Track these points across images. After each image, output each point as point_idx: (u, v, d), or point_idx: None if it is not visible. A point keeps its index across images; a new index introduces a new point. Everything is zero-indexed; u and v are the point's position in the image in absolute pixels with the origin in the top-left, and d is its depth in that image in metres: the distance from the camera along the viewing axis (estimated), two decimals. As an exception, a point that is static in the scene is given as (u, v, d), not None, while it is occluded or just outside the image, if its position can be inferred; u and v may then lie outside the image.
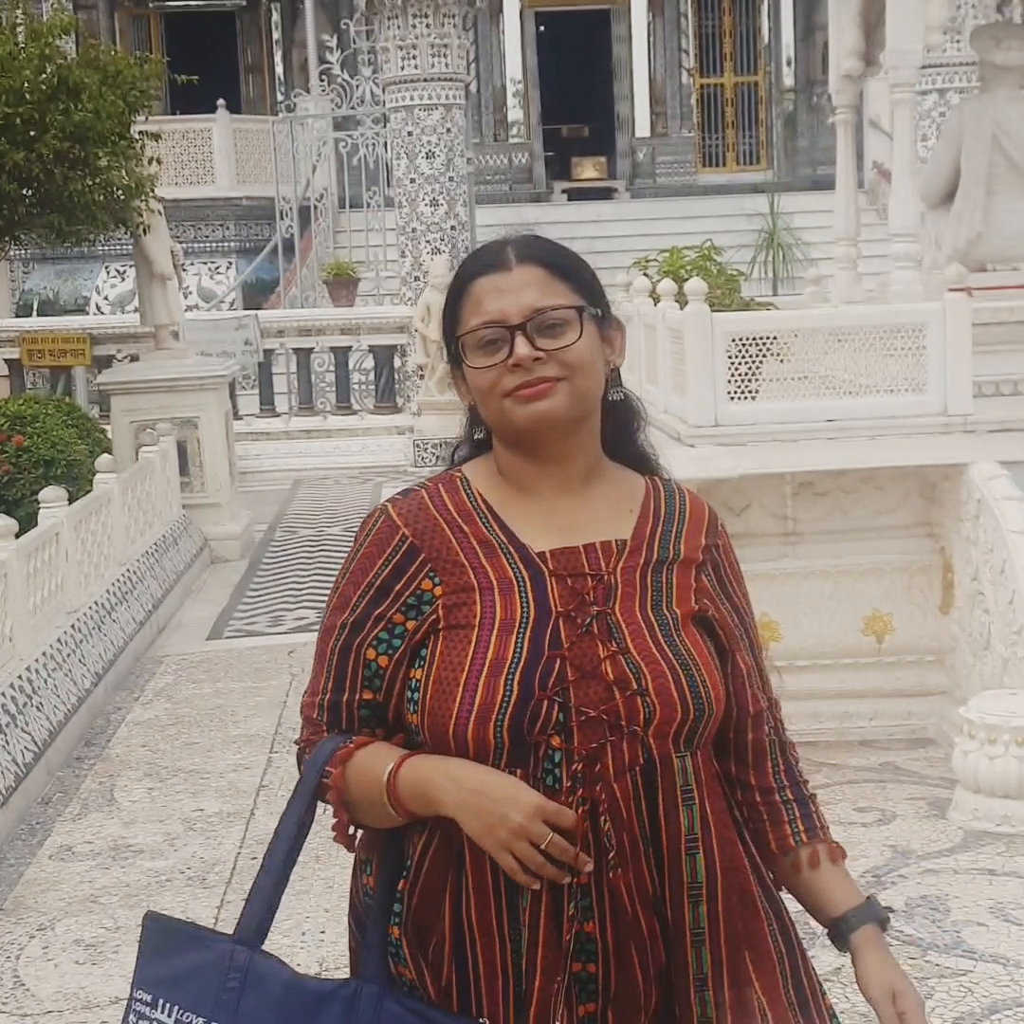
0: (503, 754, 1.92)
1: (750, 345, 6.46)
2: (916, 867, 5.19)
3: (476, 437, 2.13)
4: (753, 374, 6.53)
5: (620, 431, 2.12)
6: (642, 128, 24.58)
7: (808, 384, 6.58)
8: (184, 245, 20.76)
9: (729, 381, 6.47)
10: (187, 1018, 2.00)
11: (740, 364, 6.50)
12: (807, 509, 6.63)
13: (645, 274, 8.01)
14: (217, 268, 21.52)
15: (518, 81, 24.28)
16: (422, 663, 1.99)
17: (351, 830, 2.05)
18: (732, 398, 6.47)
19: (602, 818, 1.91)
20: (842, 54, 7.41)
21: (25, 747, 6.51)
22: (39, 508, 8.03)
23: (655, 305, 7.67)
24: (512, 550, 2.01)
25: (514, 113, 24.49)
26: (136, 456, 10.72)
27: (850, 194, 7.79)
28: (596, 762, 1.92)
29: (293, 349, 16.43)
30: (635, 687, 1.93)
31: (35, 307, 20.95)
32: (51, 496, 8.03)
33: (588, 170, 24.66)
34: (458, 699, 1.93)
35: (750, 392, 6.51)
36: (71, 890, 5.54)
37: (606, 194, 23.94)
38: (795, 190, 21.05)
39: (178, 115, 22.23)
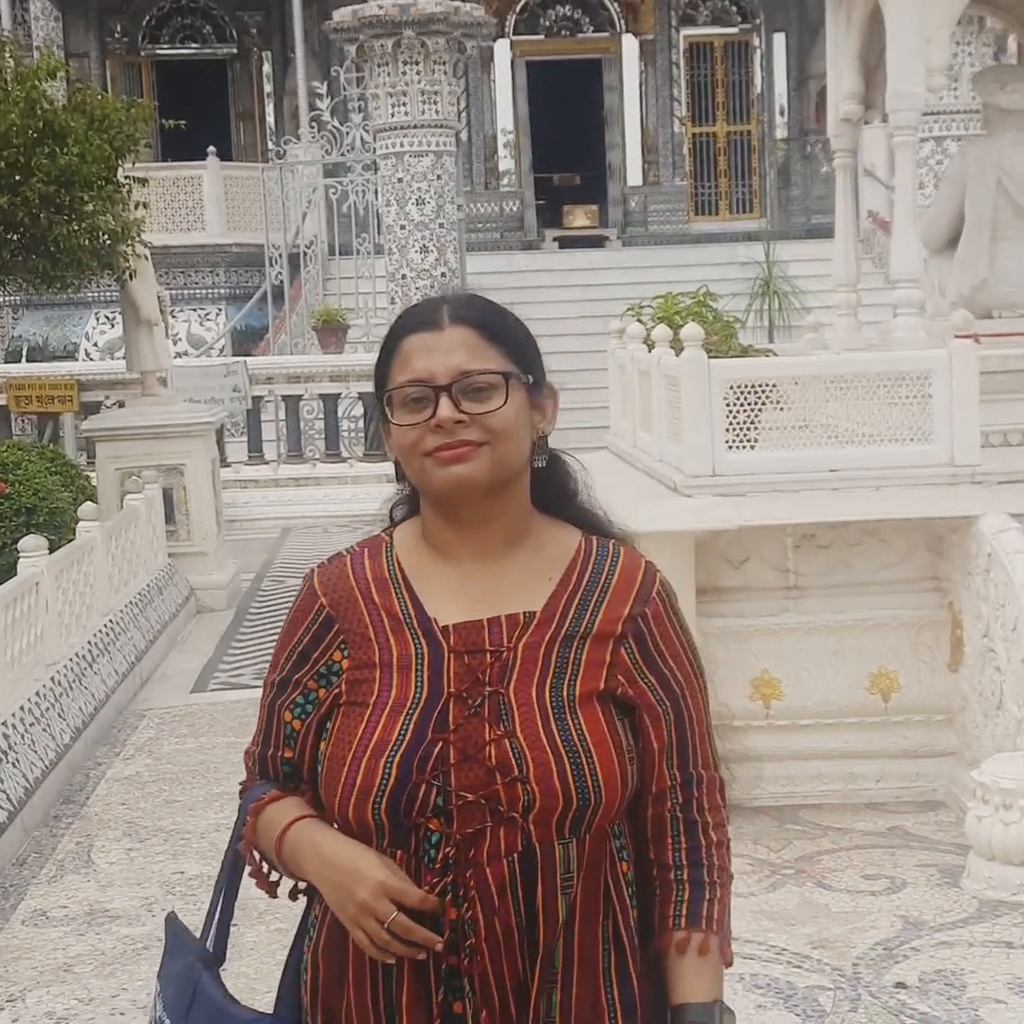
0: (384, 835, 1.94)
1: (749, 392, 6.28)
2: (929, 939, 4.97)
3: (402, 493, 2.15)
4: (752, 422, 6.35)
5: (556, 493, 2.10)
6: (634, 176, 24.53)
7: (809, 433, 6.40)
8: (174, 292, 20.70)
9: (727, 429, 6.29)
10: (163, 1016, 2.17)
11: (739, 412, 6.32)
12: (809, 562, 6.44)
13: (639, 320, 7.81)
14: (207, 315, 21.37)
15: (509, 130, 24.26)
16: (326, 736, 2.03)
17: (273, 877, 2.12)
18: (730, 447, 6.29)
19: (465, 905, 1.91)
20: (841, 97, 7.26)
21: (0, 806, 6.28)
22: (19, 557, 7.82)
23: (649, 351, 7.49)
24: (417, 624, 2.01)
25: (505, 161, 24.45)
26: (121, 504, 10.51)
27: (849, 240, 7.63)
28: (471, 847, 1.91)
29: (282, 396, 16.24)
30: (516, 773, 1.91)
31: (24, 353, 20.78)
32: (31, 545, 7.82)
33: (580, 218, 24.58)
34: (342, 779, 1.96)
35: (749, 441, 6.32)
36: (44, 958, 5.30)
37: (598, 242, 23.81)
38: (789, 238, 20.95)
39: (169, 162, 22.13)
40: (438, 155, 15.71)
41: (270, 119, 24.42)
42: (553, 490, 2.09)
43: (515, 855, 1.91)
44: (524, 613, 1.99)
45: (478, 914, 1.90)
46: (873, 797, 6.41)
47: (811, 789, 6.44)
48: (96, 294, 18.42)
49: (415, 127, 15.47)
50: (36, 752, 6.96)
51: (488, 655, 1.96)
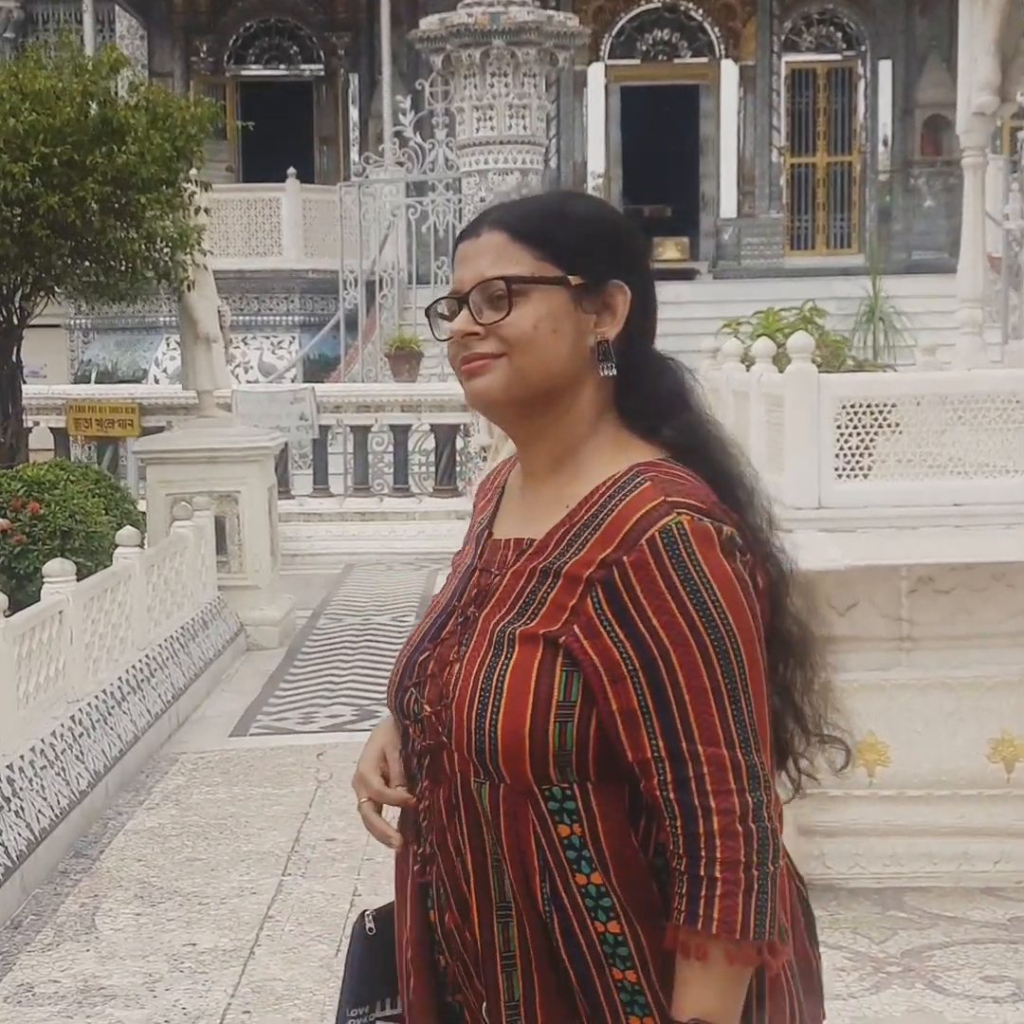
0: (401, 726, 2.01)
1: (864, 413, 5.50)
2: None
3: None
4: (866, 448, 5.54)
5: (643, 406, 1.93)
6: (728, 208, 23.87)
7: (931, 461, 5.57)
8: (247, 318, 20.17)
9: (837, 455, 5.52)
10: None
11: (850, 436, 5.53)
12: (926, 610, 5.59)
13: (736, 337, 7.05)
14: (279, 343, 20.77)
15: (600, 158, 23.61)
16: None
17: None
18: (840, 476, 5.51)
19: (421, 815, 1.95)
20: (973, 88, 6.44)
21: (-6, 861, 5.53)
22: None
23: (747, 370, 6.71)
24: (479, 535, 2.03)
25: (595, 188, 23.80)
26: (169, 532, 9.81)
27: (977, 249, 6.78)
28: (427, 757, 1.94)
29: (351, 427, 15.53)
30: (448, 699, 1.89)
31: (93, 377, 20.28)
32: (56, 570, 7.10)
33: (670, 250, 23.94)
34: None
35: (861, 469, 5.53)
36: (21, 1047, 4.54)
37: (688, 275, 23.13)
38: (889, 274, 20.12)
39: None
40: (524, 173, 15.01)
41: (354, 143, 23.87)
42: (639, 403, 1.92)
43: (458, 778, 1.89)
44: (528, 539, 1.91)
45: (434, 827, 1.93)
46: (991, 881, 5.55)
47: (919, 869, 5.60)
48: (168, 319, 17.85)
49: (501, 143, 14.79)
50: (46, 799, 6.21)
51: (491, 575, 1.93)
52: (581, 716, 1.80)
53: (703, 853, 1.76)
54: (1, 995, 4.90)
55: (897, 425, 5.57)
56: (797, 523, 5.46)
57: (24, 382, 10.92)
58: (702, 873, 1.76)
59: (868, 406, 5.49)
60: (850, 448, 5.51)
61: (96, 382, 19.77)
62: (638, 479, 1.83)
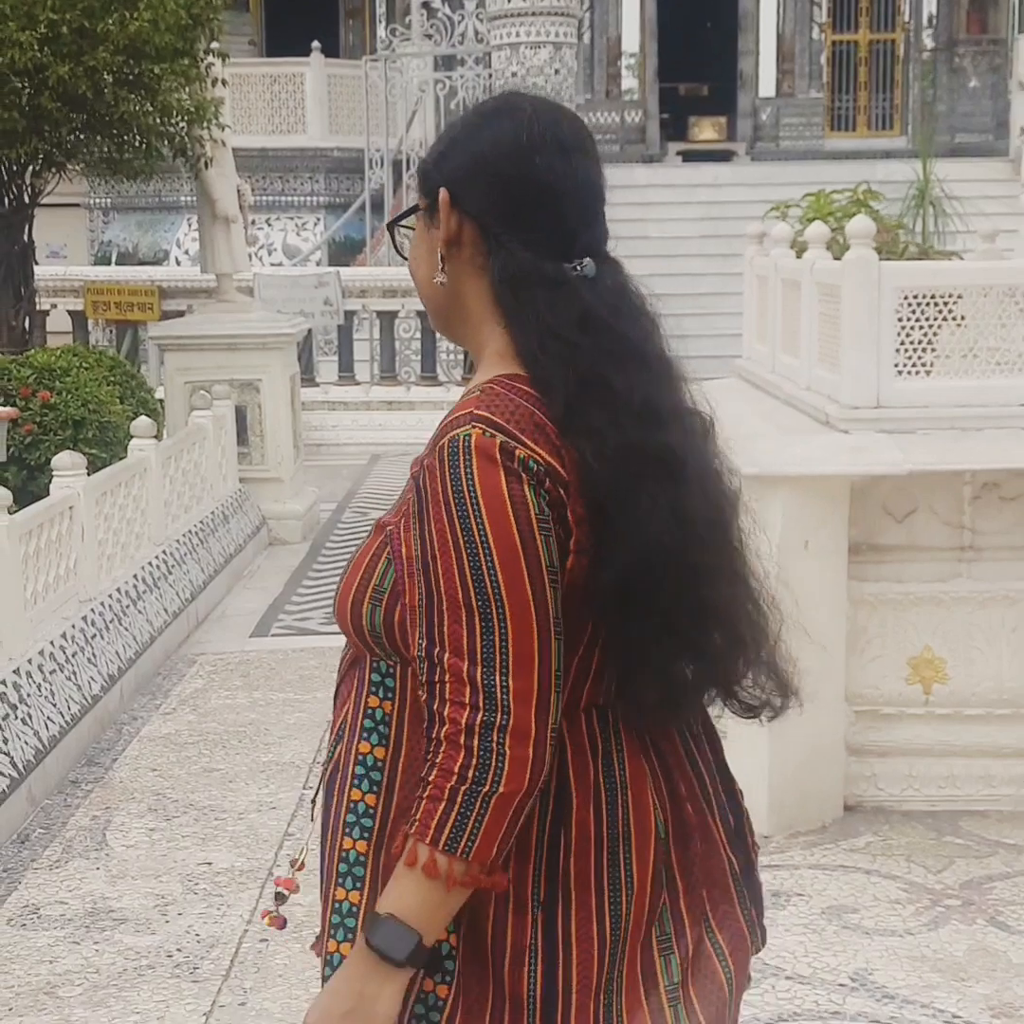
0: None
1: (927, 304, 5.07)
2: None
3: None
4: (929, 342, 5.13)
5: (524, 318, 1.86)
6: (767, 87, 23.10)
7: (998, 358, 5.15)
8: (270, 198, 19.65)
9: (897, 350, 5.10)
10: None
11: (912, 329, 5.11)
12: (990, 518, 5.22)
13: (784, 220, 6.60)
14: (304, 224, 20.22)
15: (635, 32, 22.84)
16: None
17: None
18: (900, 372, 5.11)
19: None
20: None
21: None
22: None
23: (798, 257, 6.27)
24: None
25: (628, 68, 23.08)
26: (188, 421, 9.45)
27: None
28: None
29: (377, 312, 15.07)
30: None
31: (113, 258, 19.82)
32: (66, 462, 6.76)
33: (706, 131, 23.27)
34: None
35: (924, 365, 5.12)
36: (24, 973, 4.29)
37: (725, 156, 22.47)
38: (932, 157, 19.45)
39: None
40: (557, 47, 14.41)
41: (381, 18, 23.10)
42: (509, 314, 1.87)
43: None
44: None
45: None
46: (1054, 805, 5.23)
47: (976, 792, 5.31)
48: (190, 198, 17.31)
49: (533, 14, 14.20)
50: (55, 705, 5.93)
51: None
52: (388, 603, 1.86)
53: (429, 758, 1.77)
54: (5, 917, 4.64)
55: (963, 318, 5.15)
56: (853, 423, 5.09)
57: (37, 263, 10.52)
58: (424, 776, 1.77)
59: (932, 297, 5.07)
60: (911, 343, 5.10)
61: (116, 263, 19.33)
62: (478, 390, 1.83)
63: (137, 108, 9.21)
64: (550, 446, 1.76)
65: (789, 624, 2.03)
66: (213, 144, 9.79)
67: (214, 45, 9.99)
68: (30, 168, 9.72)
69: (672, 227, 18.70)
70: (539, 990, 1.83)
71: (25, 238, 10.02)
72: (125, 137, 9.42)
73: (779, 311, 6.39)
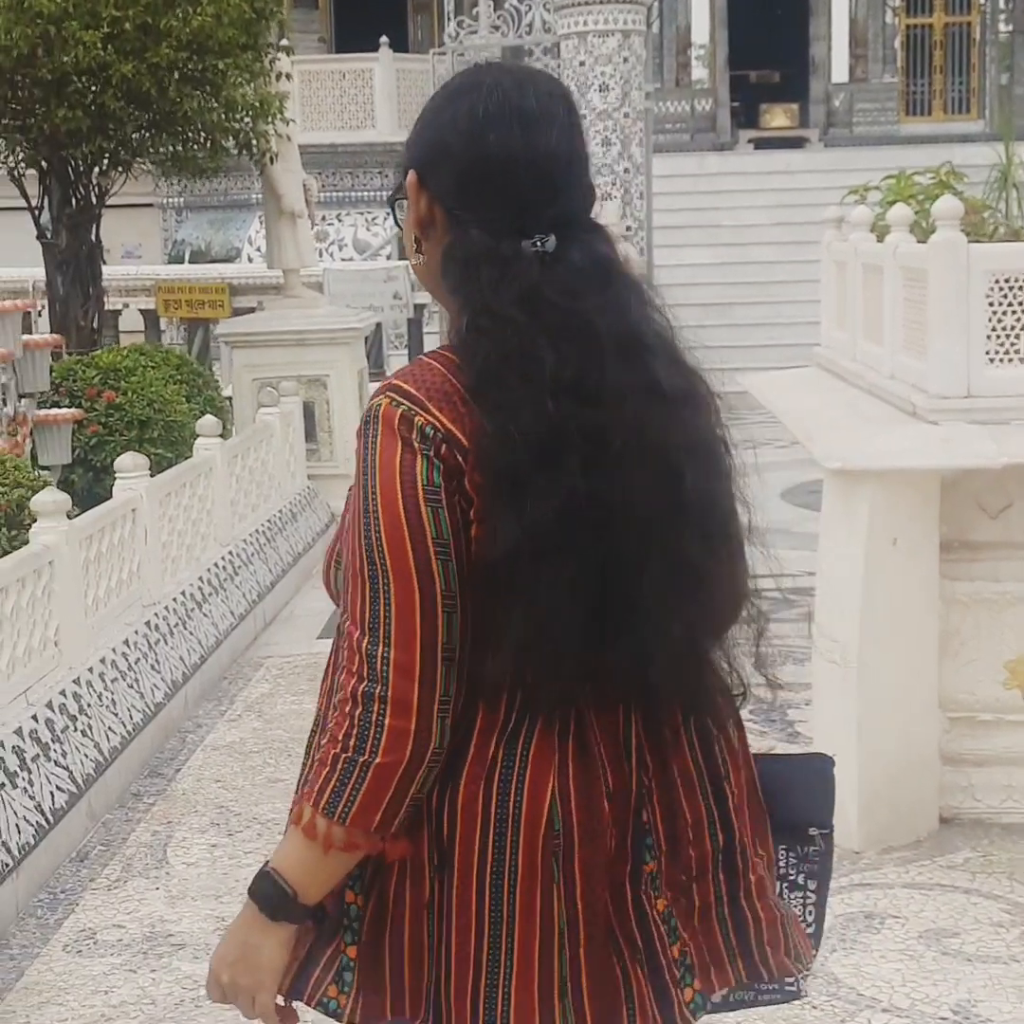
0: None
1: (1020, 288, 4.80)
2: None
3: None
4: (1022, 328, 4.86)
5: (461, 294, 1.84)
6: (839, 73, 22.85)
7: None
8: (340, 194, 19.52)
9: (988, 337, 4.83)
10: None
11: (1005, 315, 4.84)
12: (1091, 513, 4.95)
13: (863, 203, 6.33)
14: (374, 219, 20.05)
15: (705, 20, 22.58)
16: None
17: None
18: (992, 360, 4.84)
19: None
20: None
21: (57, 787, 5.08)
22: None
23: (879, 241, 6.01)
24: None
25: (698, 57, 22.81)
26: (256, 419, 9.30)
27: None
28: None
29: (447, 304, 14.89)
30: None
31: (186, 257, 19.77)
32: (129, 464, 6.61)
33: (778, 118, 22.98)
34: None
35: (1017, 352, 4.85)
36: (79, 1005, 4.11)
37: (797, 143, 22.20)
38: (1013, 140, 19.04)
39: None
40: (625, 35, 14.12)
41: (449, 14, 22.93)
42: (452, 289, 1.85)
43: None
44: None
45: None
46: None
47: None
48: (260, 195, 17.17)
49: (601, 2, 13.92)
50: (117, 714, 5.77)
51: None
52: (335, 563, 1.95)
53: (327, 723, 1.80)
54: (61, 942, 4.48)
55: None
56: (942, 414, 4.82)
57: (105, 262, 10.43)
58: (320, 742, 1.81)
59: (1025, 281, 4.80)
60: (1004, 329, 4.83)
61: (190, 262, 19.27)
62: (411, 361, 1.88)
63: (201, 104, 9.08)
64: (454, 413, 1.74)
65: (764, 625, 1.96)
66: (278, 139, 9.64)
67: (283, 41, 9.86)
68: (96, 168, 9.61)
69: (744, 215, 18.45)
70: (439, 948, 1.82)
71: (92, 238, 9.92)
72: (189, 134, 9.29)
73: (859, 297, 6.13)
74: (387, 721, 1.73)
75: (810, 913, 2.10)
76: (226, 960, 1.84)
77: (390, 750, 1.73)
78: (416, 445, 1.74)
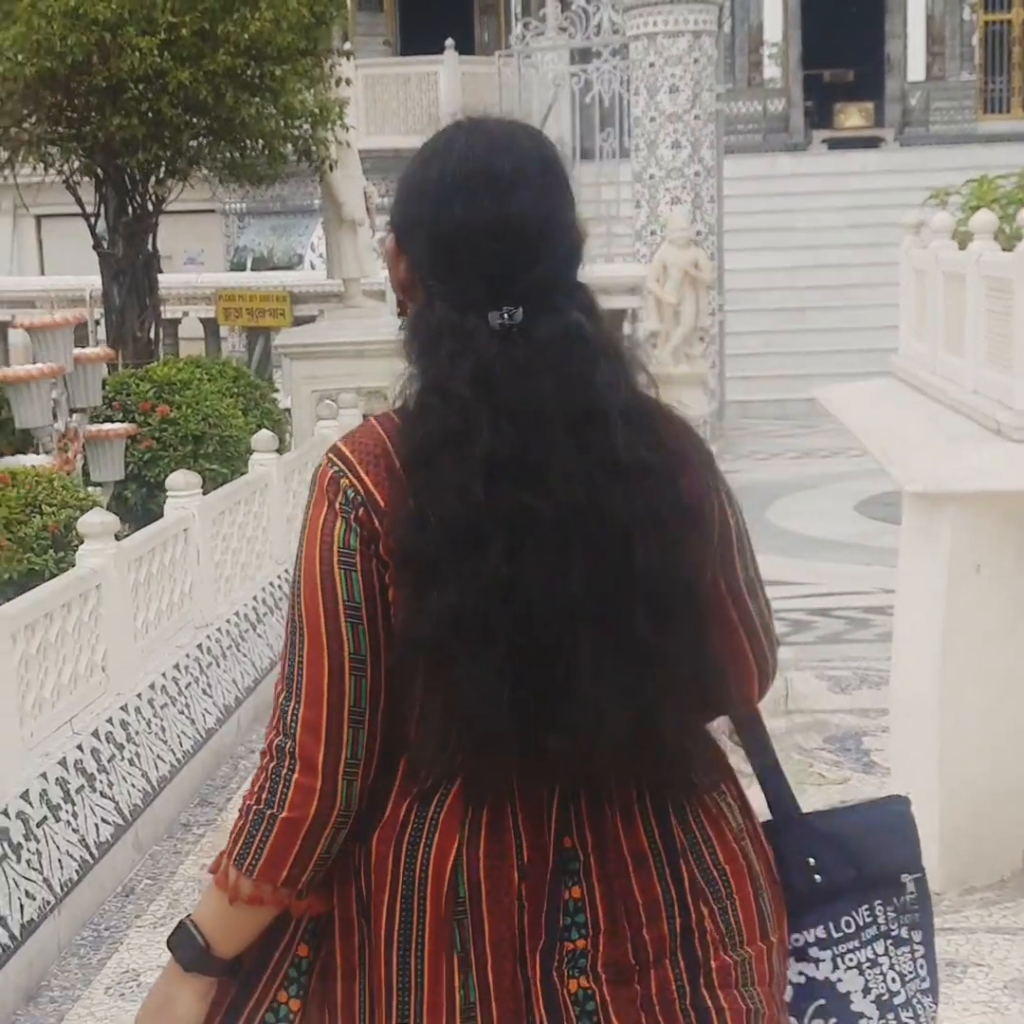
0: None
1: (1113, 299, 4.52)
2: None
3: None
4: (1115, 341, 4.59)
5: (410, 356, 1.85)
6: (915, 71, 22.42)
7: None
8: (404, 200, 19.33)
9: (1079, 350, 4.56)
10: None
11: (1096, 326, 4.56)
12: None
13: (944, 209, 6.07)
14: (438, 225, 19.95)
15: (777, 18, 22.27)
16: None
17: None
18: (1083, 375, 4.56)
19: None
20: None
21: (102, 819, 4.91)
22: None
23: (960, 248, 5.74)
24: None
25: (770, 56, 22.49)
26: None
27: None
28: None
29: (512, 313, 14.72)
30: None
31: (248, 264, 19.69)
32: (180, 482, 6.44)
33: (852, 117, 22.61)
34: None
35: (1110, 367, 4.58)
36: (117, 1055, 3.92)
37: (872, 143, 21.85)
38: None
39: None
40: (696, 35, 13.86)
41: (516, 16, 22.76)
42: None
43: None
44: None
45: None
46: None
47: None
48: (322, 201, 17.07)
49: (671, 2, 13.67)
50: (166, 741, 5.59)
51: None
52: None
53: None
54: (103, 984, 4.30)
55: None
56: (1030, 433, 4.55)
57: (162, 271, 10.30)
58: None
59: (1119, 291, 4.53)
60: (1096, 341, 4.56)
61: (252, 268, 19.19)
62: None
63: (259, 111, 8.92)
64: (379, 477, 1.74)
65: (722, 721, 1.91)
66: (338, 146, 9.46)
67: (346, 45, 9.69)
68: (152, 176, 9.48)
69: (818, 217, 18.16)
70: (365, 1008, 1.82)
71: (149, 247, 9.79)
72: (247, 141, 9.13)
73: (940, 307, 5.86)
74: (295, 776, 1.74)
75: (922, 967, 2.01)
76: (148, 1010, 1.86)
77: (296, 806, 1.74)
78: (338, 507, 1.74)
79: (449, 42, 19.91)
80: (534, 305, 1.72)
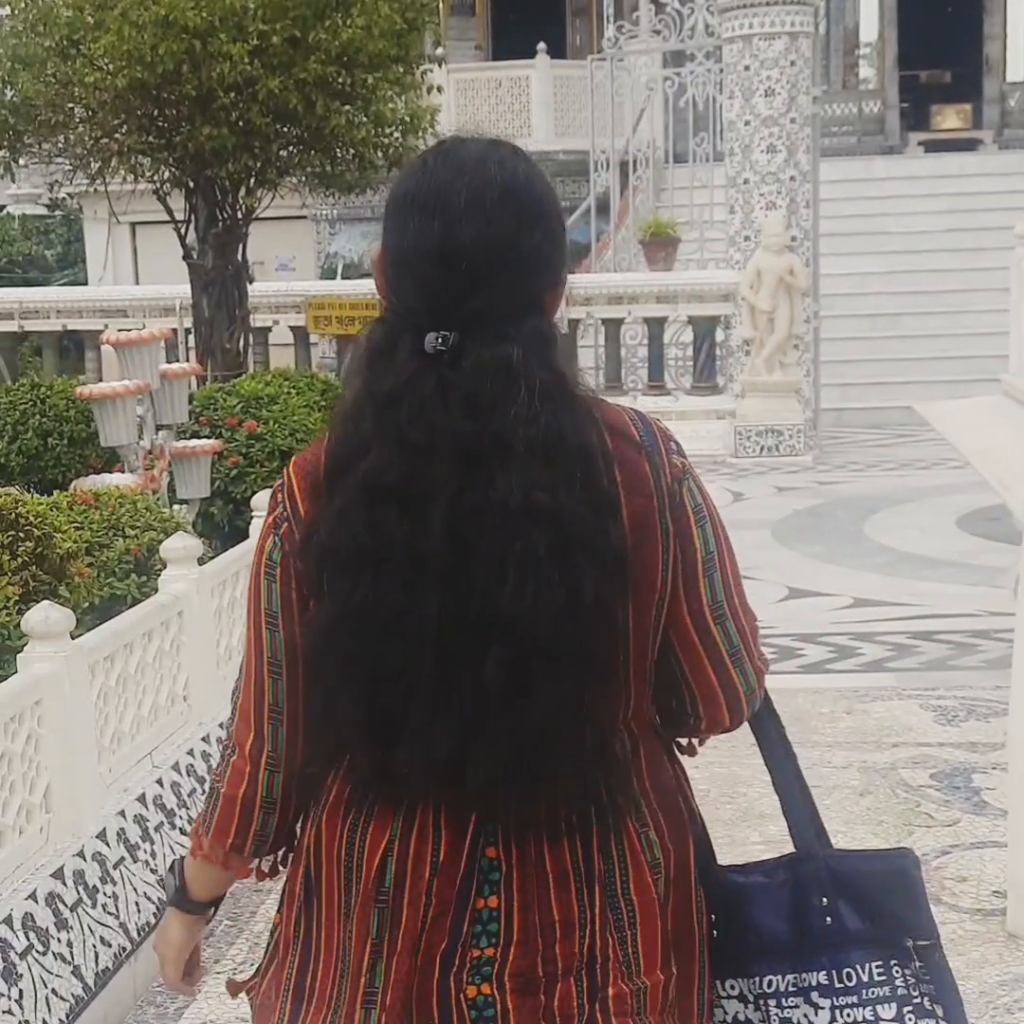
0: None
1: None
2: None
3: None
4: None
5: None
6: (1015, 71, 22.21)
7: None
8: (496, 204, 19.21)
9: None
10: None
11: None
12: None
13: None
14: (530, 229, 19.80)
15: (874, 19, 21.97)
16: None
17: None
18: None
19: None
20: None
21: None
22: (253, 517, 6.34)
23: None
24: None
25: (865, 57, 22.20)
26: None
27: None
28: None
29: (602, 319, 14.54)
30: None
31: (338, 270, 19.64)
32: (264, 502, 6.28)
33: (950, 119, 22.26)
34: None
35: None
36: (192, 1119, 3.76)
37: (970, 146, 21.49)
38: None
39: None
40: (792, 37, 13.58)
41: (608, 18, 22.59)
42: None
43: None
44: None
45: None
46: None
47: None
48: (415, 206, 16.99)
49: (767, 4, 13.41)
50: (250, 772, 5.44)
51: None
52: None
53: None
54: (179, 1035, 4.14)
55: None
56: None
57: (251, 280, 10.20)
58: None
59: None
60: None
61: (342, 275, 19.14)
62: None
63: (349, 120, 8.78)
64: (306, 492, 1.81)
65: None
66: (429, 153, 9.31)
67: (438, 51, 9.54)
68: (242, 187, 9.38)
69: (915, 221, 17.82)
70: (292, 987, 1.91)
71: (238, 258, 9.69)
72: (337, 150, 9.00)
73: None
74: (233, 758, 1.91)
75: None
76: (158, 929, 2.10)
77: (233, 785, 1.91)
78: (270, 521, 1.85)
79: (541, 46, 19.77)
80: (472, 332, 1.71)
